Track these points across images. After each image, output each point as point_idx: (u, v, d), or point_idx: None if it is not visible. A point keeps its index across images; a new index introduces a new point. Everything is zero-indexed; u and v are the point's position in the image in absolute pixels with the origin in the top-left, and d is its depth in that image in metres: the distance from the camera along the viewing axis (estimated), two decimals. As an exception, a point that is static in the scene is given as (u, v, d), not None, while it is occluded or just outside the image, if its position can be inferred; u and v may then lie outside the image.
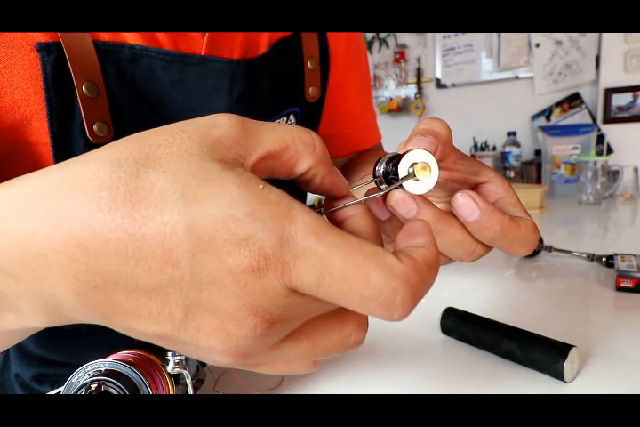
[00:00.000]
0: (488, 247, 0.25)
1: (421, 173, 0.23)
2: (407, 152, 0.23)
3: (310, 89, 0.50)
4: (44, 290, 0.16)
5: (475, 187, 0.27)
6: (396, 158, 0.23)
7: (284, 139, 0.18)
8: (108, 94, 0.36)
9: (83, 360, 0.30)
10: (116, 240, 0.15)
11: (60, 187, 0.16)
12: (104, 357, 0.30)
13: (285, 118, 0.49)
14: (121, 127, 0.38)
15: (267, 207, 0.15)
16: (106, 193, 0.15)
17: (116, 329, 0.17)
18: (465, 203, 0.23)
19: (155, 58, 0.37)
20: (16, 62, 0.33)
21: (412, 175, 0.23)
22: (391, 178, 0.24)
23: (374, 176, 0.25)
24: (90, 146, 0.36)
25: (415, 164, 0.23)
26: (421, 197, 0.23)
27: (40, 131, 0.35)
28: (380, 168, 0.24)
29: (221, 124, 0.17)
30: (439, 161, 0.24)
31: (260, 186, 0.16)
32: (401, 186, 0.23)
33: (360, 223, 0.20)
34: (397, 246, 0.19)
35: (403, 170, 0.23)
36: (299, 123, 0.51)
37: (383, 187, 0.24)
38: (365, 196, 0.24)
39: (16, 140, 0.35)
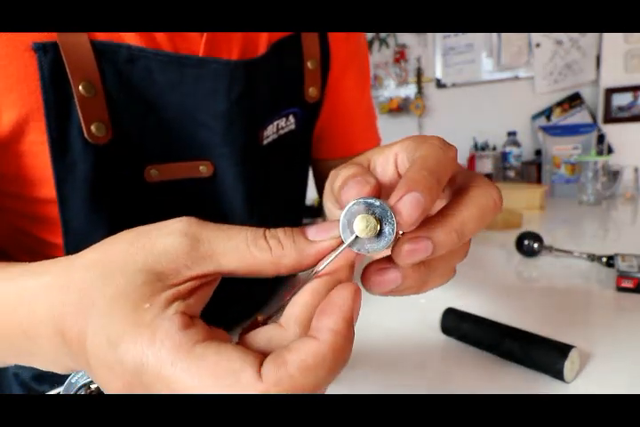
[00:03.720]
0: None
1: (365, 228, 0.19)
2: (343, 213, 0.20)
3: (310, 90, 0.50)
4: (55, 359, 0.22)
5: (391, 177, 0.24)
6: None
7: (241, 251, 0.19)
8: (106, 95, 0.36)
9: None
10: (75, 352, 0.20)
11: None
12: None
13: (285, 119, 0.49)
14: (119, 128, 0.38)
15: (135, 330, 0.18)
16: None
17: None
18: (411, 249, 0.20)
19: (152, 59, 0.37)
20: (10, 62, 0.33)
21: (355, 239, 0.20)
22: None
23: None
24: (87, 146, 0.36)
25: (355, 220, 0.19)
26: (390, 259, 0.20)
27: (36, 131, 0.35)
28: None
29: (172, 234, 0.19)
30: (382, 195, 0.21)
31: (147, 305, 0.18)
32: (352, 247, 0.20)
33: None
34: (312, 325, 0.18)
35: (345, 234, 0.20)
36: (298, 123, 0.50)
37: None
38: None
39: (12, 140, 0.35)
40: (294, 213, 0.58)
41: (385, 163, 0.24)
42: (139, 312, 0.18)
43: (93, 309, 0.19)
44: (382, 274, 0.21)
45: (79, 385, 0.27)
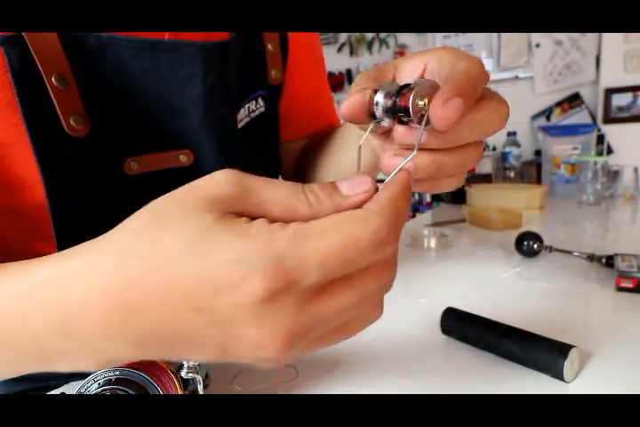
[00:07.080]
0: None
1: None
2: (415, 85, 0.22)
3: (273, 72, 0.50)
4: (106, 347, 0.20)
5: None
6: (404, 90, 0.22)
7: (285, 202, 0.21)
8: (78, 86, 0.35)
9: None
10: (151, 300, 0.19)
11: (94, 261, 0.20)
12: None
13: (255, 102, 0.49)
14: (96, 119, 0.36)
15: (252, 244, 0.18)
16: (133, 263, 0.19)
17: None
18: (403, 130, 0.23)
19: (124, 46, 0.36)
20: None
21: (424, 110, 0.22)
22: (400, 115, 0.23)
23: (374, 117, 0.24)
24: (69, 140, 0.35)
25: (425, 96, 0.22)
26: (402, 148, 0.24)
27: (9, 128, 0.33)
28: (383, 101, 0.23)
29: (221, 183, 0.20)
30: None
31: (245, 224, 0.19)
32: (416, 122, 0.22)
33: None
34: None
35: (414, 105, 0.22)
36: (267, 106, 0.51)
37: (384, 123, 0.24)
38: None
39: None
40: None
41: (412, 70, 0.27)
42: (241, 230, 0.19)
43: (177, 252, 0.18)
44: (398, 159, 0.24)
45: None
